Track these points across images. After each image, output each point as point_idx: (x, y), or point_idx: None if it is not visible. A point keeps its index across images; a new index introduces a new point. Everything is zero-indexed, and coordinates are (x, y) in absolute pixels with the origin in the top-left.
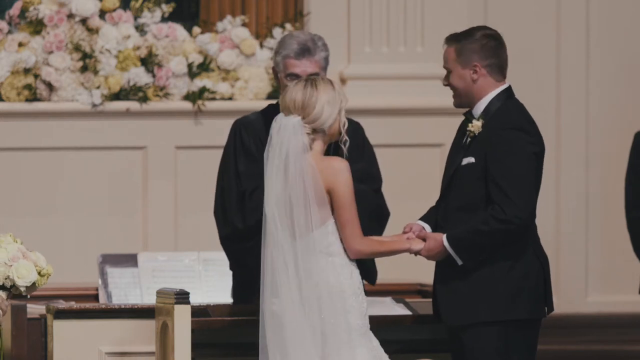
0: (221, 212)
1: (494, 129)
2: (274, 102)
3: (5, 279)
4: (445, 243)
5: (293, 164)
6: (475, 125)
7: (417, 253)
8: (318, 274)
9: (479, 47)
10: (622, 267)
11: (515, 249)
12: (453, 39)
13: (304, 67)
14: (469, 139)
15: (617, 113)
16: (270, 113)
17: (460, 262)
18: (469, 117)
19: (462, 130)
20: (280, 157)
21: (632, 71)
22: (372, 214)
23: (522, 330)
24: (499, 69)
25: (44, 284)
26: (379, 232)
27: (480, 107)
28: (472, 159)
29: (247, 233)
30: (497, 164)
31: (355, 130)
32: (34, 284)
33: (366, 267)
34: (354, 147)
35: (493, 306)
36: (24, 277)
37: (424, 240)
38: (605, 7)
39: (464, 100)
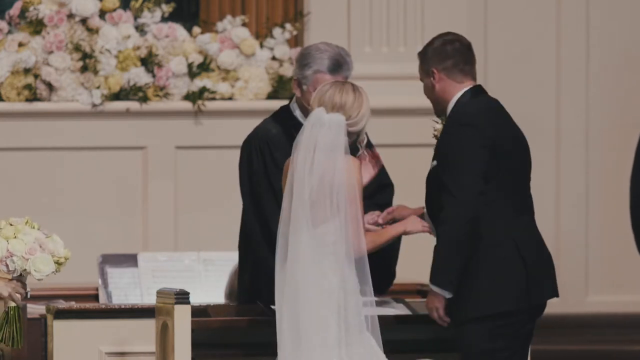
0: (267, 234)
1: (444, 129)
2: (283, 103)
3: (22, 271)
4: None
5: (326, 161)
6: (437, 129)
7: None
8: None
9: (433, 52)
10: (623, 267)
11: (495, 248)
12: (418, 53)
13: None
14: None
15: (617, 113)
16: (284, 118)
17: (448, 295)
18: (436, 120)
19: None
20: (317, 149)
21: (632, 71)
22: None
23: (508, 319)
24: (459, 70)
25: (62, 270)
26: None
27: (448, 110)
28: (434, 162)
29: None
30: (442, 160)
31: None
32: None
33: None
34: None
35: (478, 303)
36: (41, 271)
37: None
38: (605, 7)
39: (437, 108)
